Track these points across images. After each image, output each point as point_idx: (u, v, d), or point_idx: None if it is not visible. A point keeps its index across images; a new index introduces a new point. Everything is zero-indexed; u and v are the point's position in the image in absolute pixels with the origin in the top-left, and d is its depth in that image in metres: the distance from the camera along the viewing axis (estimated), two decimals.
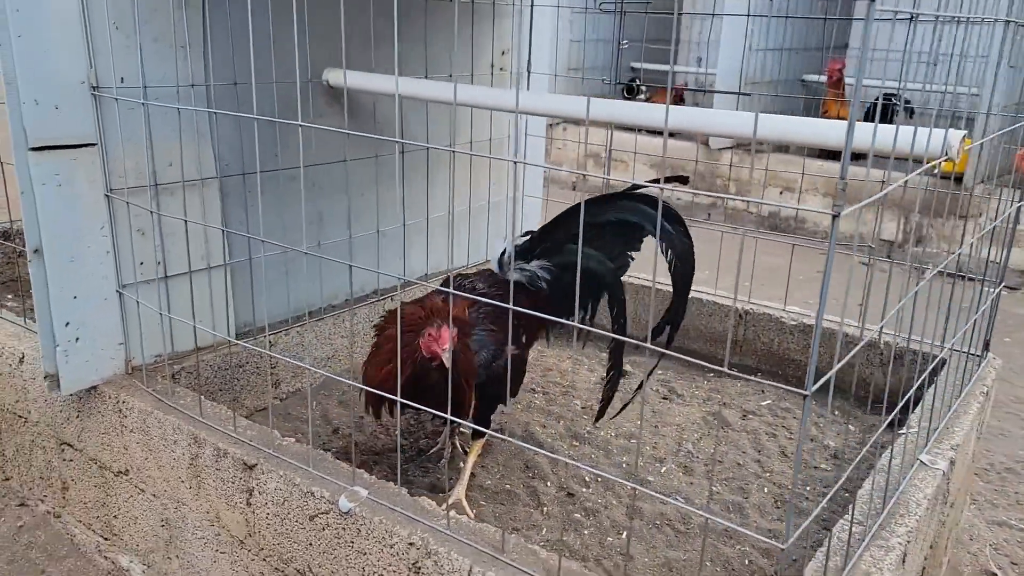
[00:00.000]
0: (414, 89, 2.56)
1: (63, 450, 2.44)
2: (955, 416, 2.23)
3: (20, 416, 2.55)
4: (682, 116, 2.13)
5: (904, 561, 1.70)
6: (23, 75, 1.93)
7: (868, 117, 6.54)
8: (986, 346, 2.62)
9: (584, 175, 4.30)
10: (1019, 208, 2.51)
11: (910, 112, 6.15)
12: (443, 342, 1.91)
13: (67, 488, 2.49)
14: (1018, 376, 4.12)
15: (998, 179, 5.87)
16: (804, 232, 6.77)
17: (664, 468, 2.40)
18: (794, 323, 2.98)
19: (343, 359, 2.90)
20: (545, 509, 2.19)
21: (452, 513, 1.70)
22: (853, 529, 1.67)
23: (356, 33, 2.50)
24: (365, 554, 1.73)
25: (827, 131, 1.82)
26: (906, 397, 1.94)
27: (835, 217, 1.08)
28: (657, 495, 1.51)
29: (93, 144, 2.10)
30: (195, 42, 2.28)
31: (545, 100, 2.72)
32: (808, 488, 2.37)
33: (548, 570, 1.54)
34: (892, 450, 1.98)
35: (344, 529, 1.75)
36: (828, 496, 1.58)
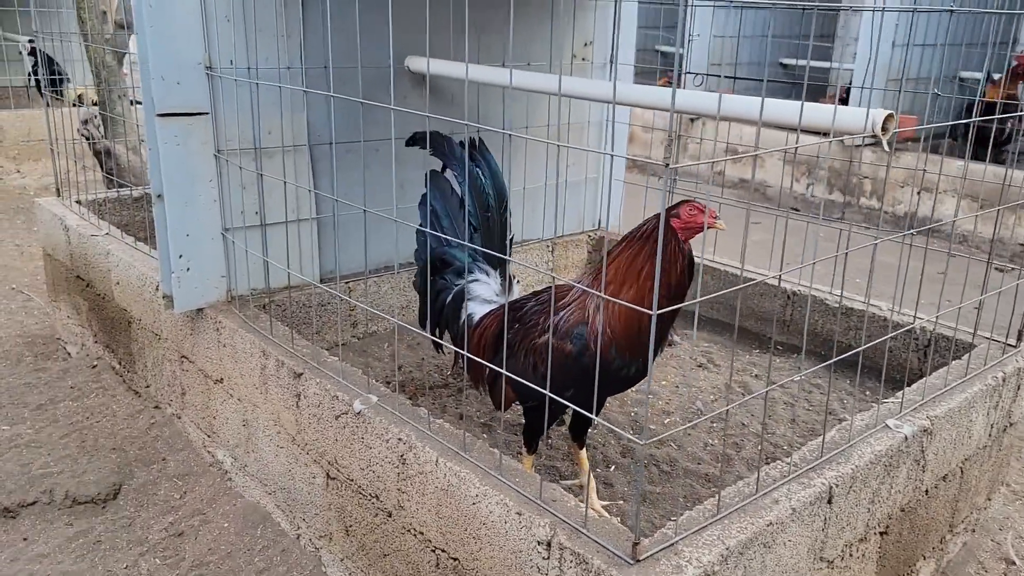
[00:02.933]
0: (480, 75, 2.91)
1: (182, 362, 3.02)
2: (949, 393, 2.30)
3: (156, 334, 3.16)
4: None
5: (830, 501, 1.87)
6: (153, 57, 2.48)
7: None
8: (1019, 336, 2.62)
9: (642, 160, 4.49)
10: None
11: None
12: (711, 211, 1.92)
13: (184, 394, 3.08)
14: None
15: None
16: (939, 235, 6.50)
17: (668, 420, 2.63)
18: (837, 305, 3.08)
19: (414, 309, 3.33)
20: (550, 441, 2.50)
21: (443, 423, 2.04)
22: (779, 470, 1.87)
23: (438, 24, 2.90)
24: (371, 448, 2.12)
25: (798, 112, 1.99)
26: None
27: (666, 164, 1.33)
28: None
29: (206, 113, 2.63)
30: (293, 32, 2.76)
31: (632, 90, 2.97)
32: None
33: (495, 464, 1.86)
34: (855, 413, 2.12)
35: (358, 427, 2.15)
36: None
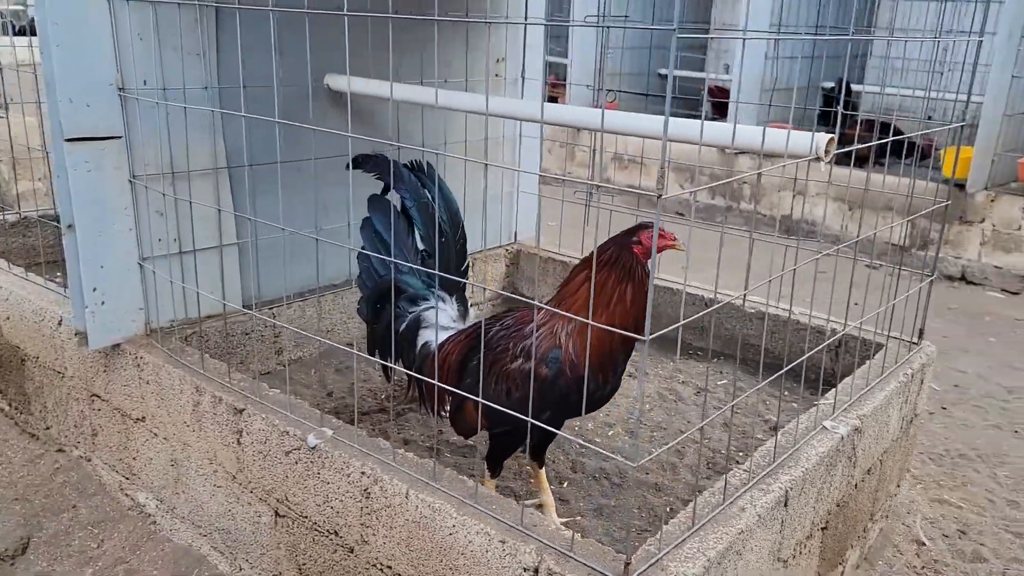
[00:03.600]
0: (406, 95, 2.88)
1: (93, 401, 2.82)
2: (871, 392, 2.47)
3: (58, 372, 2.94)
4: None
5: (786, 504, 1.97)
6: (60, 78, 2.31)
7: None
8: (919, 334, 2.85)
9: (565, 178, 4.58)
10: (946, 207, 2.72)
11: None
12: (668, 235, 1.96)
13: (96, 434, 2.87)
14: (994, 373, 4.28)
15: (1001, 186, 5.99)
16: (816, 236, 6.94)
17: (611, 431, 2.69)
18: (752, 311, 3.24)
19: (340, 332, 3.25)
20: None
21: (407, 453, 2.01)
22: (739, 478, 1.95)
23: (355, 42, 2.84)
24: (328, 483, 2.05)
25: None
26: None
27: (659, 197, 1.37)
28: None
29: (119, 137, 2.47)
30: (208, 50, 2.64)
31: (563, 112, 3.02)
32: (741, 454, 2.63)
33: (469, 491, 1.85)
34: (798, 417, 2.24)
35: (312, 462, 2.08)
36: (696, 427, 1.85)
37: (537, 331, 2.01)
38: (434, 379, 2.26)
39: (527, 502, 2.26)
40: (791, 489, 1.97)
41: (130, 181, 2.51)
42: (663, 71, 9.04)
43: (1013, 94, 5.72)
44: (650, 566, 1.63)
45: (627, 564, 1.58)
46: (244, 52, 2.67)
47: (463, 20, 3.13)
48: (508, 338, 2.11)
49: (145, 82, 2.49)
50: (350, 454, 2.00)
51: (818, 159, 1.83)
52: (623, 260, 2.01)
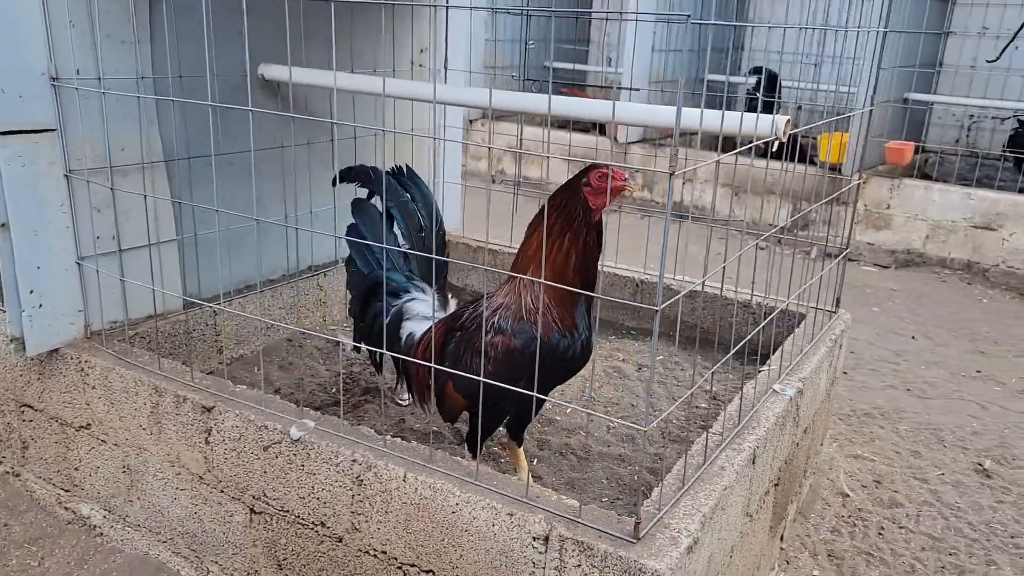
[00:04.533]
0: (347, 83, 2.86)
1: (23, 412, 2.65)
2: (805, 357, 2.68)
3: None
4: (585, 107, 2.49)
5: (754, 462, 2.12)
6: None
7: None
8: (836, 303, 3.10)
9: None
10: (858, 186, 2.97)
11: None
12: (618, 174, 1.95)
13: (27, 447, 2.70)
14: (883, 339, 4.68)
15: (870, 169, 6.52)
16: (707, 219, 7.32)
17: (569, 409, 2.78)
18: (675, 288, 3.41)
19: (281, 327, 3.19)
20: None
21: (395, 439, 2.02)
22: (712, 440, 2.08)
23: (289, 31, 2.79)
24: (314, 474, 2.04)
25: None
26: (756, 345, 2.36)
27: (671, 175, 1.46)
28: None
29: (53, 130, 2.34)
30: (142, 39, 2.53)
31: (455, 92, 3.07)
32: (690, 423, 2.79)
33: (469, 472, 1.89)
34: (752, 381, 2.41)
35: (295, 455, 2.06)
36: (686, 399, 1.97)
37: (503, 304, 2.07)
38: (415, 370, 2.31)
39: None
40: (757, 448, 2.13)
41: (66, 176, 2.38)
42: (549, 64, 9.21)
43: (881, 84, 6.23)
44: (654, 524, 1.73)
45: (637, 523, 1.67)
46: (179, 41, 2.59)
47: (392, 3, 3.15)
48: (481, 317, 2.16)
49: (78, 71, 2.37)
50: (338, 443, 2.00)
51: (776, 139, 1.98)
52: (570, 205, 2.04)
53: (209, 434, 2.21)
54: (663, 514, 1.76)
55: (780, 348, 2.70)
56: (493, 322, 2.11)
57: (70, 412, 2.51)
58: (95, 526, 2.60)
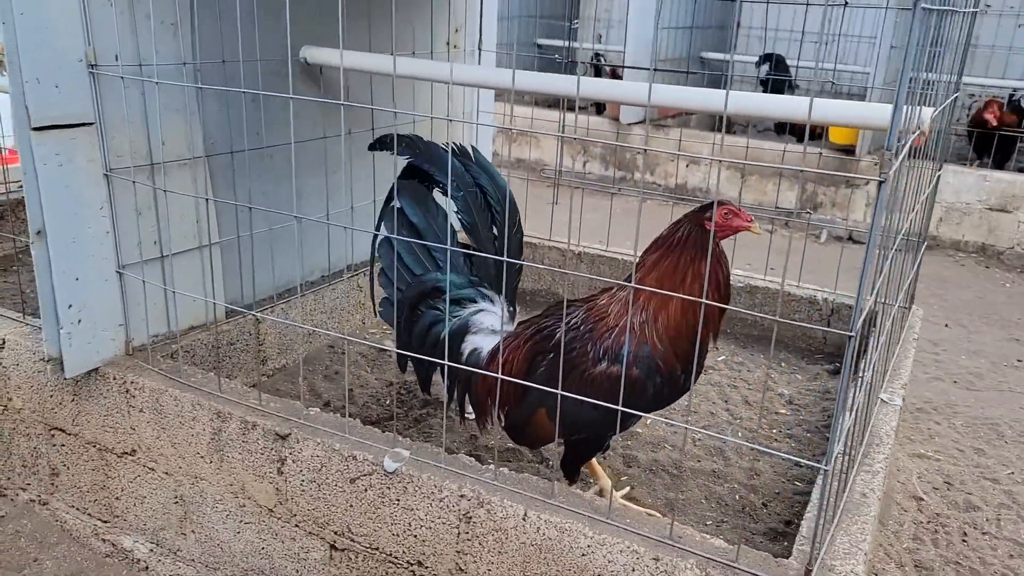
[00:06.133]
0: (408, 68, 2.61)
1: (53, 436, 2.40)
2: (899, 360, 2.54)
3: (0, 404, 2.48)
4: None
5: (883, 483, 1.97)
6: (25, 54, 1.89)
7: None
8: (911, 299, 2.96)
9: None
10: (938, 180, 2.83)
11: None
12: (744, 214, 1.89)
13: (57, 474, 2.45)
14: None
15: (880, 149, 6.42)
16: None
17: (649, 421, 2.61)
18: (741, 285, 3.25)
19: (323, 334, 2.95)
20: (550, 463, 2.35)
21: (504, 470, 1.82)
22: (842, 458, 1.92)
23: (328, 13, 2.54)
24: (411, 510, 1.84)
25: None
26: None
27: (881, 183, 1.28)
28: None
29: (91, 123, 2.07)
30: (184, 20, 2.26)
31: (473, 72, 2.83)
32: (774, 431, 2.63)
33: (596, 509, 1.70)
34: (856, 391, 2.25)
35: (389, 488, 1.85)
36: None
37: (611, 329, 1.88)
38: (484, 389, 2.10)
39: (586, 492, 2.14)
40: (884, 466, 1.97)
41: (105, 175, 2.12)
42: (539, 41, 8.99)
43: (893, 64, 6.11)
44: (818, 567, 1.56)
45: (808, 572, 1.50)
46: (221, 23, 2.33)
47: None
48: (580, 339, 1.96)
49: (117, 56, 2.10)
50: (442, 476, 1.80)
51: (920, 131, 1.80)
52: (694, 237, 1.92)
53: (283, 464, 1.99)
54: (822, 554, 1.60)
55: (868, 349, 2.55)
56: (603, 347, 1.91)
57: (111, 437, 2.27)
58: (139, 559, 2.37)
